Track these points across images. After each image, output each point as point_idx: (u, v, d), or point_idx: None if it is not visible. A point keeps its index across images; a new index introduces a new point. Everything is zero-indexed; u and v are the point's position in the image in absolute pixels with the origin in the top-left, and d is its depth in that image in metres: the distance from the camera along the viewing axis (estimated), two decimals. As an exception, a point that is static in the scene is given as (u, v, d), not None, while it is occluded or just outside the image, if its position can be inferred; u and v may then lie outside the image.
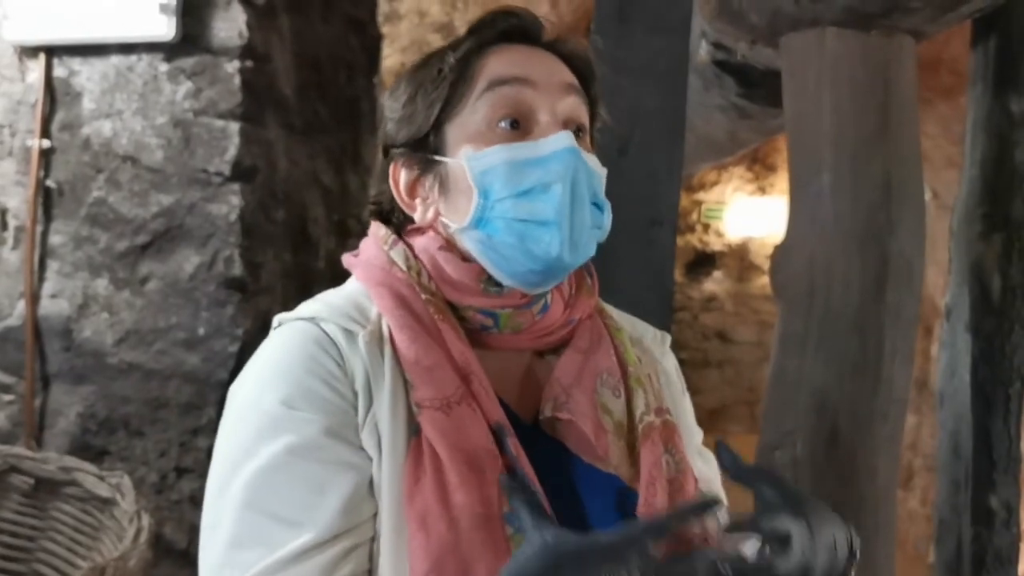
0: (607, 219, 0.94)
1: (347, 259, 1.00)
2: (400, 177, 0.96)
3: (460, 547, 0.79)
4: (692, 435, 1.07)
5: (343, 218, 2.95)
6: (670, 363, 1.09)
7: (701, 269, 8.83)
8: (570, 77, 0.94)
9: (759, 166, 8.63)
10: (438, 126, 0.93)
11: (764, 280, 8.83)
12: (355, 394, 0.86)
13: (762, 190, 8.68)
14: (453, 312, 0.92)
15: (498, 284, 0.92)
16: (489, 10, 0.97)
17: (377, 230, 0.99)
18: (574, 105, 0.93)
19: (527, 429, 0.90)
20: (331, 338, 0.88)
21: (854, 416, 1.96)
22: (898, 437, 2.03)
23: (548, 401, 0.91)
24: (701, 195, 8.69)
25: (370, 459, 0.84)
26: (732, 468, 0.88)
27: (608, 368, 0.97)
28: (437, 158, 0.93)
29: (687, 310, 8.75)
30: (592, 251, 0.93)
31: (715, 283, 8.86)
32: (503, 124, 0.90)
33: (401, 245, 0.95)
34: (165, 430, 2.34)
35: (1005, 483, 2.24)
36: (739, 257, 8.85)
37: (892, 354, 1.96)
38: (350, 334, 0.88)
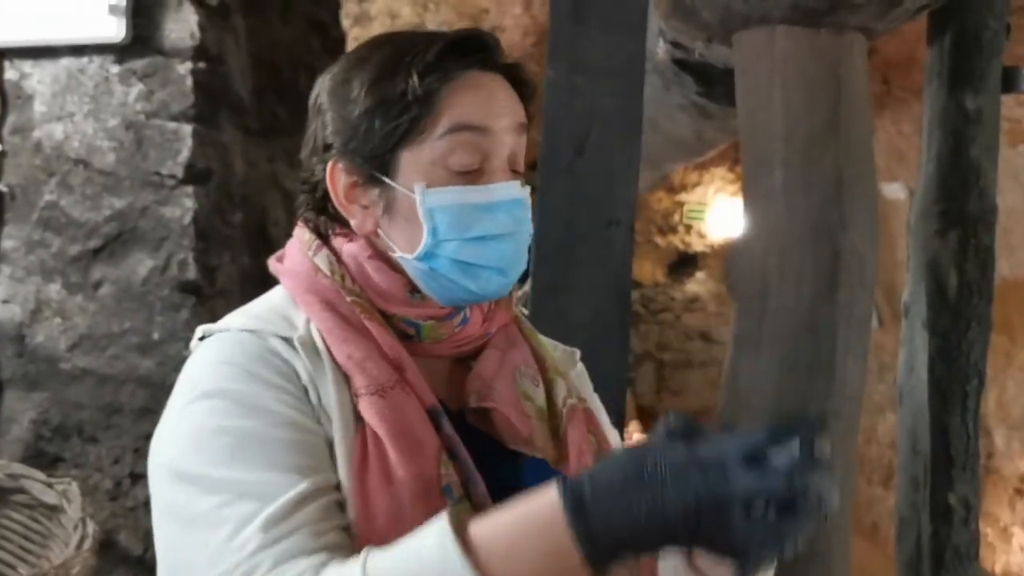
0: None
1: (273, 265, 1.00)
2: (340, 179, 0.95)
3: (403, 520, 0.82)
4: (610, 433, 1.10)
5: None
6: (581, 370, 1.15)
7: (683, 270, 8.84)
8: (520, 114, 0.96)
9: (740, 167, 8.64)
10: (393, 149, 0.93)
11: (746, 280, 8.84)
12: (303, 389, 0.88)
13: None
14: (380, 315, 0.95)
15: (421, 292, 0.96)
16: (457, 32, 0.96)
17: (301, 234, 0.99)
18: (519, 144, 0.97)
19: (456, 421, 0.93)
20: (266, 345, 0.90)
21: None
22: (853, 436, 2.02)
23: (472, 393, 0.95)
24: (683, 196, 8.71)
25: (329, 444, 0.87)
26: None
27: (525, 361, 1.03)
28: (387, 180, 0.93)
29: (670, 311, 8.76)
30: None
31: (698, 284, 8.87)
32: (458, 165, 0.92)
33: (325, 251, 0.96)
34: (119, 436, 2.32)
35: (963, 480, 2.23)
36: (721, 258, 8.86)
37: (845, 352, 1.96)
38: (284, 341, 0.90)
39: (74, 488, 1.94)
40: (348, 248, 0.96)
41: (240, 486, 0.80)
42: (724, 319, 8.92)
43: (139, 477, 2.32)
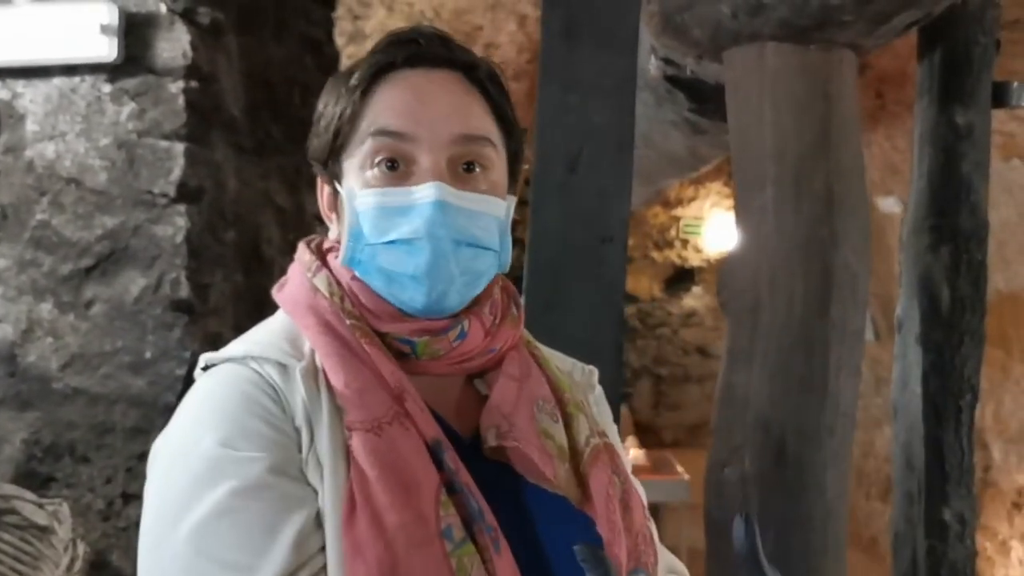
0: (503, 255, 0.94)
1: (275, 293, 0.99)
2: (323, 189, 0.98)
3: (398, 569, 0.78)
4: (626, 461, 1.06)
5: (299, 238, 2.91)
6: (599, 393, 1.10)
7: (680, 285, 8.84)
8: (465, 123, 0.91)
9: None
10: (335, 153, 0.93)
11: (742, 294, 8.85)
12: (296, 431, 0.85)
13: (739, 205, 8.71)
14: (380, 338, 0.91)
15: None
16: (394, 31, 0.95)
17: (302, 255, 0.98)
18: (467, 150, 0.91)
19: (467, 447, 0.90)
20: (264, 378, 0.87)
21: (801, 431, 1.95)
22: (846, 452, 2.02)
23: (490, 429, 0.90)
24: (679, 211, 8.71)
25: (315, 492, 0.83)
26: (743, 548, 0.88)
27: (543, 395, 0.97)
28: (337, 187, 0.94)
29: (667, 325, 8.75)
30: (474, 292, 0.93)
31: (694, 298, 8.86)
32: (381, 166, 0.90)
33: (324, 272, 0.94)
34: (111, 456, 2.31)
35: (958, 495, 2.22)
36: (718, 272, 8.86)
37: (838, 368, 1.96)
38: (284, 369, 0.87)
39: (65, 509, 1.92)
40: (336, 266, 0.94)
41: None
42: (721, 333, 8.83)
43: (131, 497, 2.31)
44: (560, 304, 2.16)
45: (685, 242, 8.80)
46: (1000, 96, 2.33)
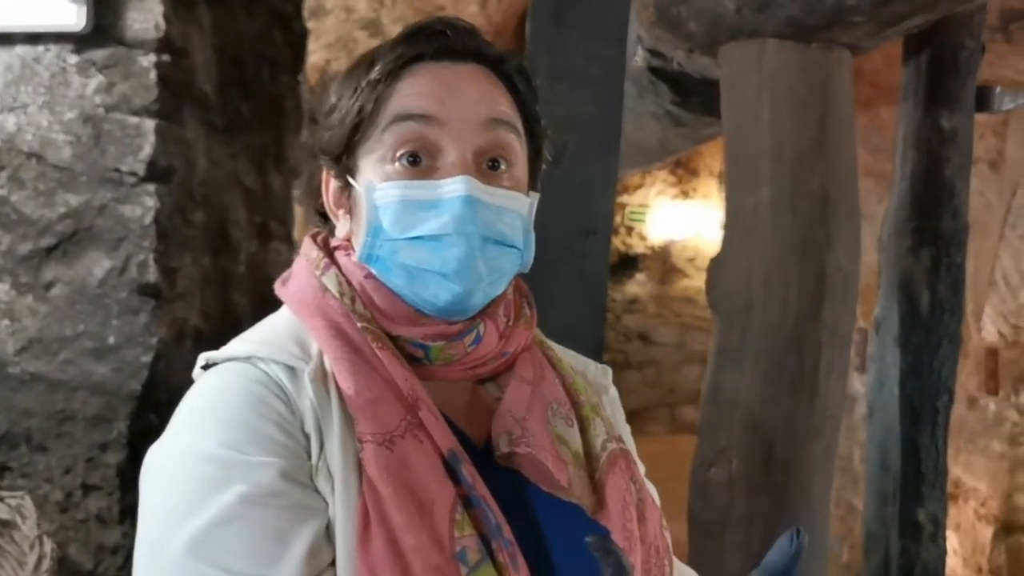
0: (526, 254, 0.90)
1: (279, 289, 0.93)
2: (330, 184, 0.93)
3: None
4: (639, 465, 1.02)
5: (266, 220, 2.83)
6: (614, 394, 1.06)
7: (624, 271, 8.89)
8: (493, 108, 0.87)
9: (682, 170, 8.71)
10: (351, 147, 0.88)
11: (685, 283, 8.94)
12: (306, 437, 0.80)
13: (685, 194, 8.77)
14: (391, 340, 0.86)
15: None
16: (417, 22, 0.90)
17: (308, 251, 0.93)
18: (493, 139, 0.86)
19: (480, 455, 0.85)
20: (272, 378, 0.82)
21: (790, 433, 1.95)
22: (832, 454, 2.02)
23: (502, 435, 0.86)
24: (625, 198, 8.74)
25: (326, 503, 0.78)
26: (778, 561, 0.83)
27: (557, 399, 0.93)
28: (350, 180, 0.89)
29: (610, 312, 8.78)
30: (498, 291, 0.88)
31: (637, 285, 8.92)
32: (403, 160, 0.84)
33: (333, 270, 0.89)
34: (71, 445, 2.20)
35: (932, 497, 2.25)
36: (661, 260, 8.93)
37: (828, 370, 1.95)
38: (293, 372, 0.82)
39: (28, 503, 1.83)
40: (348, 266, 0.89)
41: None
42: (663, 320, 8.99)
43: (91, 488, 2.21)
44: (543, 298, 2.11)
45: (630, 229, 8.85)
46: (982, 101, 2.35)
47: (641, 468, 1.03)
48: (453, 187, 0.83)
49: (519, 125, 0.89)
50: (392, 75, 0.86)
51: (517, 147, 0.89)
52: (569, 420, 0.92)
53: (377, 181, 0.85)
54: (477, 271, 0.84)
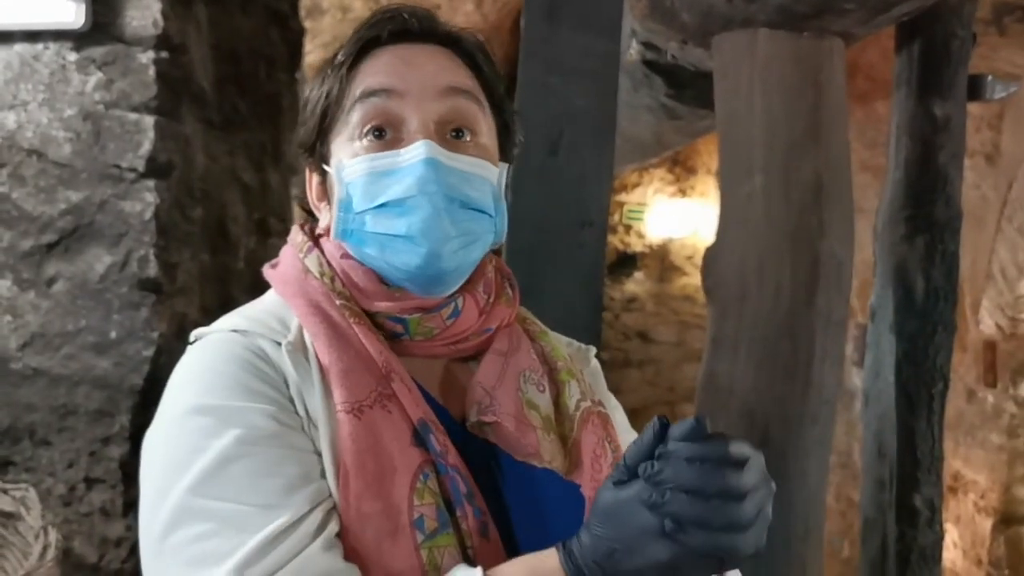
0: (499, 221, 0.92)
1: (266, 271, 0.97)
2: (312, 180, 0.97)
3: (370, 559, 0.77)
4: (627, 435, 1.03)
5: (264, 216, 2.85)
6: (595, 367, 1.09)
7: (622, 270, 8.89)
8: (452, 78, 0.91)
9: (680, 168, 8.72)
10: (323, 134, 0.93)
11: (684, 281, 8.94)
12: (291, 400, 0.84)
13: (683, 192, 8.78)
14: (369, 319, 0.90)
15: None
16: (376, 10, 0.94)
17: (295, 236, 0.98)
18: (454, 107, 0.90)
19: (459, 430, 0.88)
20: (258, 348, 0.86)
21: (784, 419, 1.96)
22: (827, 440, 2.04)
23: (473, 405, 0.89)
24: (623, 196, 8.74)
25: (318, 452, 0.81)
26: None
27: (530, 365, 0.96)
28: (324, 167, 0.93)
29: (608, 310, 8.78)
30: (472, 256, 0.90)
31: (636, 284, 8.92)
32: (369, 135, 0.89)
33: (315, 252, 0.94)
34: (73, 439, 2.22)
35: (928, 482, 2.27)
36: (660, 258, 8.94)
37: (822, 357, 1.97)
38: (277, 346, 0.86)
39: (32, 494, 1.84)
40: (328, 249, 0.93)
41: (217, 517, 0.76)
42: (662, 319, 9.00)
43: (94, 482, 2.22)
44: (539, 289, 2.13)
45: (628, 228, 8.85)
46: (974, 90, 2.36)
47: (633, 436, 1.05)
48: (414, 152, 0.86)
49: (481, 97, 0.93)
50: (355, 59, 0.91)
51: (480, 117, 0.92)
52: (541, 386, 0.95)
53: (347, 159, 0.89)
54: (444, 230, 0.86)
